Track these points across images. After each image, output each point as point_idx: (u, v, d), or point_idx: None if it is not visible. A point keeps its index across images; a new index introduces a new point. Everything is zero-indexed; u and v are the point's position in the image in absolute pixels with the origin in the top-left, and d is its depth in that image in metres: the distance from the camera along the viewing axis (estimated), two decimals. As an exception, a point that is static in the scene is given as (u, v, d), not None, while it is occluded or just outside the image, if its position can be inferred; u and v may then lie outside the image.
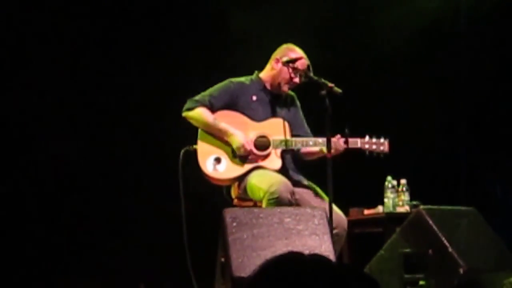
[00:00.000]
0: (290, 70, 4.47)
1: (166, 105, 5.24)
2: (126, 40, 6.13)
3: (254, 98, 4.53)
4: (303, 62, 4.49)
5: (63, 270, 5.83)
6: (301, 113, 4.67)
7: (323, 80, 4.23)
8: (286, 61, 4.49)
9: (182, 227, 4.36)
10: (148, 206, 6.01)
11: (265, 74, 4.61)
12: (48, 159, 5.84)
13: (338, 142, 4.33)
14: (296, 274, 1.32)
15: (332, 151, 4.18)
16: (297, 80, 4.48)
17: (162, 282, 5.91)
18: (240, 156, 4.42)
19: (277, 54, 4.57)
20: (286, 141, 4.43)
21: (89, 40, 6.03)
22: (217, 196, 4.58)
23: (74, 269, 5.86)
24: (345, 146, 4.35)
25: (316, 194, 4.43)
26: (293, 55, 4.51)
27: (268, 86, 4.58)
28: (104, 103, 6.05)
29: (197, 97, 4.48)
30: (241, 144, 4.38)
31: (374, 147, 4.47)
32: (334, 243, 3.98)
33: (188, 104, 4.48)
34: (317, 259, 1.34)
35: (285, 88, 4.54)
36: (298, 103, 4.68)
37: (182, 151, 4.43)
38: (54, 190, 5.91)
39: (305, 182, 4.49)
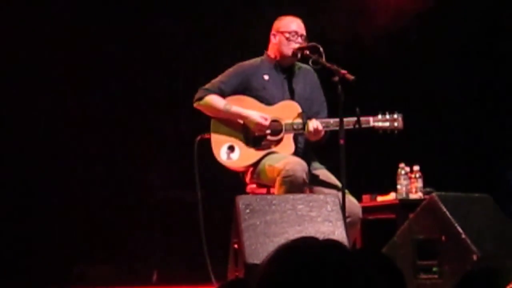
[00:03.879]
0: (287, 34, 4.43)
1: (182, 92, 5.25)
2: (139, 27, 6.15)
3: (266, 77, 4.48)
4: (287, 22, 4.46)
5: (78, 256, 5.86)
6: (319, 85, 4.56)
7: (335, 67, 4.18)
8: (276, 30, 4.47)
9: (197, 214, 4.36)
10: (163, 193, 6.04)
11: (271, 51, 4.55)
12: (63, 147, 5.88)
13: (317, 125, 4.26)
14: (310, 259, 1.32)
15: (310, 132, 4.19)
16: (298, 40, 4.41)
17: (176, 269, 5.93)
18: (253, 142, 4.40)
19: (272, 30, 4.54)
20: (298, 125, 4.36)
21: (104, 26, 6.05)
22: (232, 183, 4.58)
23: (88, 256, 5.90)
24: (322, 130, 4.25)
25: (329, 181, 4.40)
26: (280, 23, 4.49)
27: (278, 62, 4.50)
28: (121, 90, 6.09)
29: (207, 86, 4.44)
30: (257, 123, 4.36)
31: (387, 124, 4.36)
32: (348, 230, 3.97)
33: (198, 94, 4.44)
34: (331, 244, 1.34)
35: (289, 52, 4.41)
36: (315, 76, 4.56)
37: (197, 139, 4.42)
38: (69, 177, 5.94)
39: (319, 167, 4.46)
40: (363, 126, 4.30)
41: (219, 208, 4.75)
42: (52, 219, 5.80)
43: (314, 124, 4.27)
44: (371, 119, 4.36)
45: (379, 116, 4.38)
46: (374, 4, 6.49)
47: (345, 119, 4.15)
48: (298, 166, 4.17)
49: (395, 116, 4.39)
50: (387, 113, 4.39)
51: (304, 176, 4.14)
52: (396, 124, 4.38)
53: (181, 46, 6.29)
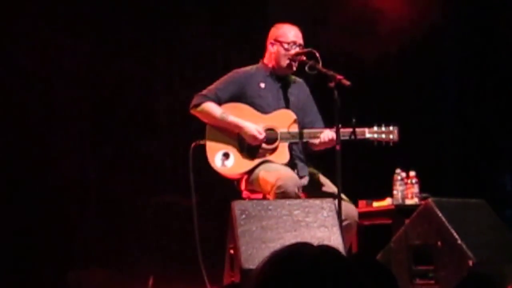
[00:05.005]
0: (285, 45, 4.43)
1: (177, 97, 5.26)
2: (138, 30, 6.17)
3: (262, 85, 4.48)
4: (286, 31, 4.46)
5: (73, 262, 5.85)
6: (311, 98, 4.58)
7: (332, 72, 4.17)
8: (275, 39, 4.47)
9: (192, 219, 4.36)
10: (158, 198, 6.03)
11: (267, 60, 4.55)
12: (60, 152, 5.88)
13: (330, 134, 4.25)
14: (305, 265, 1.32)
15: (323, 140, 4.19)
16: (294, 50, 4.42)
17: (172, 275, 5.92)
18: (248, 150, 4.40)
19: (269, 37, 4.54)
20: (293, 134, 4.39)
21: (102, 33, 6.06)
22: (227, 188, 4.58)
23: (84, 262, 5.88)
24: (333, 138, 4.22)
25: (325, 185, 4.40)
26: (278, 32, 4.49)
27: (274, 71, 4.52)
28: (118, 95, 6.09)
29: (204, 92, 4.44)
30: (251, 136, 4.36)
31: (383, 136, 4.36)
32: (344, 234, 3.97)
33: (195, 100, 4.43)
34: (326, 250, 1.34)
35: (286, 63, 4.44)
36: (307, 89, 4.59)
37: (192, 145, 4.41)
38: (64, 182, 5.93)
39: (314, 173, 4.47)
40: (359, 137, 4.29)
41: (215, 213, 4.73)
42: (46, 225, 5.78)
43: (329, 134, 4.25)
44: (366, 130, 4.36)
45: (375, 128, 4.38)
46: (370, 17, 6.51)
47: (340, 130, 4.14)
48: (289, 181, 4.17)
49: (391, 128, 4.38)
50: (383, 125, 4.38)
51: (296, 190, 4.15)
52: (391, 136, 4.37)
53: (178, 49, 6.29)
